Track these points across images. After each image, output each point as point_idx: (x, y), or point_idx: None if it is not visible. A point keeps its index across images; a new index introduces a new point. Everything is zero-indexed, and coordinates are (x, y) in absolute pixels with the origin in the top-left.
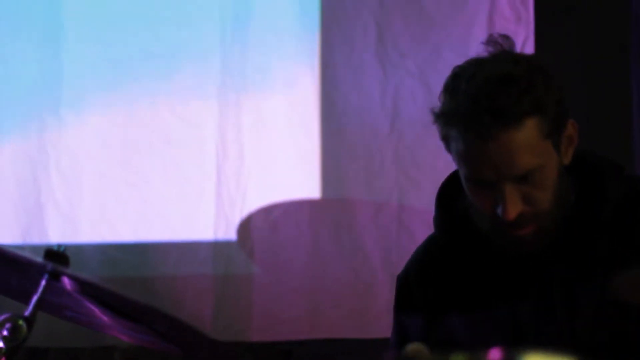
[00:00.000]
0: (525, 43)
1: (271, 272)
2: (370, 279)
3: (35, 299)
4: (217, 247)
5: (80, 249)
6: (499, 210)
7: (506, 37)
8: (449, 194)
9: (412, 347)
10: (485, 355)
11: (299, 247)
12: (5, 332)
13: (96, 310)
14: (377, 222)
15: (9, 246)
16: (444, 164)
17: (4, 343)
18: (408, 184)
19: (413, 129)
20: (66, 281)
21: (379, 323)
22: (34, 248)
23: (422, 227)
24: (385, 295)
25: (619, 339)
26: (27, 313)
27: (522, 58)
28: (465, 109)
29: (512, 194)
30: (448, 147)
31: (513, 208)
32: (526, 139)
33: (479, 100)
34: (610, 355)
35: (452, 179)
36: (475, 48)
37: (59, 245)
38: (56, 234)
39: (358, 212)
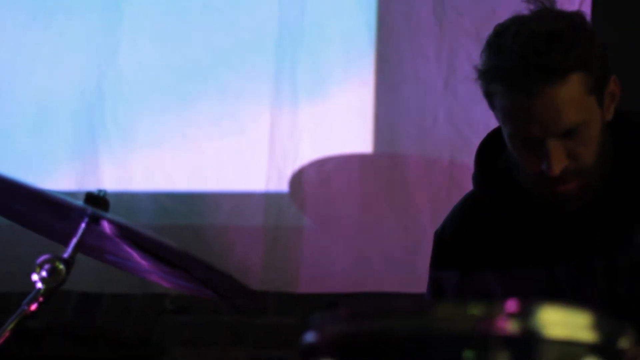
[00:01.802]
0: (583, 1)
1: (321, 225)
2: (420, 234)
3: (74, 241)
4: (268, 199)
5: (134, 197)
6: (544, 167)
7: None
8: (489, 152)
9: None
10: (502, 305)
11: (349, 201)
12: (44, 273)
13: (135, 255)
14: (428, 179)
15: (64, 192)
16: (496, 124)
17: (43, 284)
18: (460, 142)
19: (467, 87)
20: (106, 225)
21: (427, 278)
22: None
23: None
24: None
25: None
26: (66, 255)
27: (563, 15)
28: (510, 65)
29: (557, 149)
30: (492, 104)
31: (558, 163)
32: (571, 95)
33: (525, 56)
34: None
35: (492, 137)
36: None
37: (100, 190)
38: (111, 182)
39: (410, 168)
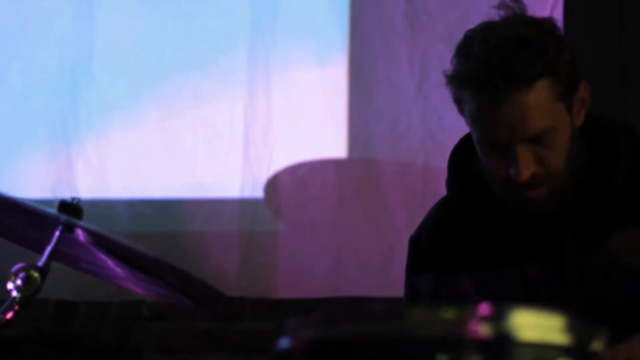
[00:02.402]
0: (554, 7)
1: (297, 230)
2: (395, 239)
3: (48, 249)
4: (243, 205)
5: (109, 204)
6: (512, 172)
7: (517, 1)
8: (462, 157)
9: None
10: (474, 309)
11: (324, 206)
12: (19, 282)
13: (109, 262)
14: (402, 183)
15: (38, 200)
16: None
17: (18, 292)
18: (434, 146)
19: (440, 91)
20: (80, 233)
21: (402, 282)
22: None
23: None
24: None
25: (628, 301)
26: (40, 263)
27: (533, 21)
28: (477, 71)
29: (525, 155)
30: (461, 109)
31: (526, 169)
32: (538, 101)
33: (491, 63)
34: (619, 317)
35: (465, 142)
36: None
37: (73, 198)
38: (86, 190)
39: (384, 172)
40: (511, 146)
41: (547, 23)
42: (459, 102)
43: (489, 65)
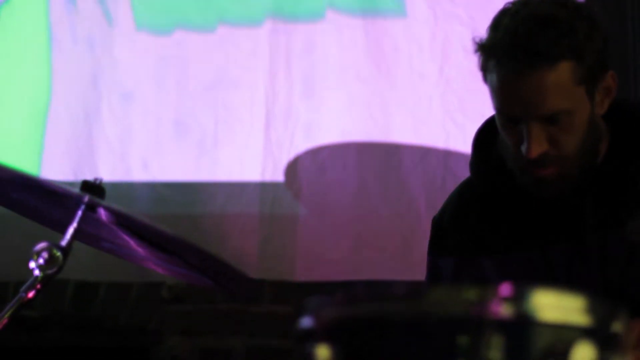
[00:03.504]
0: None
1: (317, 213)
2: (415, 222)
3: (71, 228)
4: (264, 188)
5: (130, 186)
6: (523, 148)
7: None
8: (486, 139)
9: None
10: (495, 289)
11: (345, 189)
12: (41, 261)
13: (131, 242)
14: (423, 166)
15: (61, 182)
16: (490, 111)
17: (40, 271)
18: (455, 129)
19: (461, 75)
20: (102, 212)
21: (422, 265)
22: None
23: (468, 172)
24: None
25: None
26: (63, 243)
27: (570, 3)
28: (503, 43)
29: (538, 133)
30: (485, 77)
31: (537, 147)
32: (558, 81)
33: (517, 36)
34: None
35: (489, 124)
36: None
37: (96, 178)
38: (107, 172)
39: (404, 155)
40: (525, 122)
41: (584, 8)
42: (484, 70)
43: (514, 39)
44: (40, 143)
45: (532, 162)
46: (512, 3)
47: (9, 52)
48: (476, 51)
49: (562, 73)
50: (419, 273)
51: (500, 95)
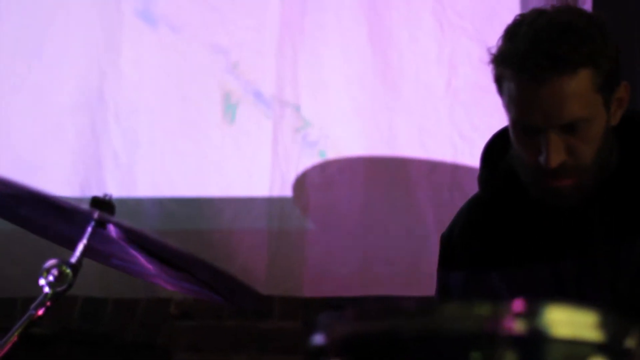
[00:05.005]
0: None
1: (325, 228)
2: (423, 237)
3: (81, 245)
4: (272, 203)
5: (138, 201)
6: (542, 158)
7: None
8: (495, 153)
9: None
10: (508, 305)
11: (352, 204)
12: (51, 278)
13: (141, 258)
14: (431, 180)
15: (68, 198)
16: (498, 124)
17: (50, 288)
18: (462, 143)
19: (468, 88)
20: (112, 229)
21: (431, 280)
22: None
23: (476, 186)
24: (437, 254)
25: None
26: (73, 259)
27: (583, 12)
28: (522, 50)
29: (557, 142)
30: (500, 88)
31: (556, 156)
32: (578, 88)
33: (538, 42)
34: None
35: (498, 137)
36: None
37: (105, 194)
38: (115, 187)
39: (412, 170)
40: (544, 131)
41: (597, 17)
42: (499, 80)
43: (535, 45)
44: (47, 158)
45: (551, 173)
46: (525, 14)
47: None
48: (491, 62)
49: (583, 80)
50: (428, 288)
51: (520, 104)
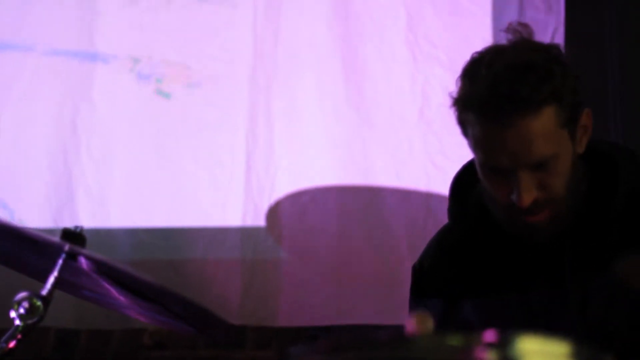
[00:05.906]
0: (555, 33)
1: (299, 257)
2: (397, 265)
3: (52, 277)
4: (245, 233)
5: (111, 232)
6: (514, 197)
7: (525, 25)
8: (464, 184)
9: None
10: (480, 337)
11: (326, 233)
12: (22, 310)
13: (113, 290)
14: (404, 209)
15: (40, 229)
16: (471, 154)
17: (21, 320)
18: (436, 172)
19: (442, 117)
20: (83, 261)
21: (406, 309)
22: None
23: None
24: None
25: (631, 327)
26: (43, 292)
27: (540, 46)
28: (483, 94)
29: (527, 181)
30: (465, 131)
31: (528, 195)
32: (543, 127)
33: (498, 86)
34: (621, 343)
35: (466, 169)
36: (506, 38)
37: (76, 226)
38: (87, 218)
39: (386, 199)
40: (514, 172)
41: (553, 49)
42: (462, 124)
43: (495, 88)
44: (20, 189)
45: (524, 210)
46: (482, 52)
47: None
48: (453, 105)
49: (547, 118)
50: (403, 316)
51: (486, 148)
